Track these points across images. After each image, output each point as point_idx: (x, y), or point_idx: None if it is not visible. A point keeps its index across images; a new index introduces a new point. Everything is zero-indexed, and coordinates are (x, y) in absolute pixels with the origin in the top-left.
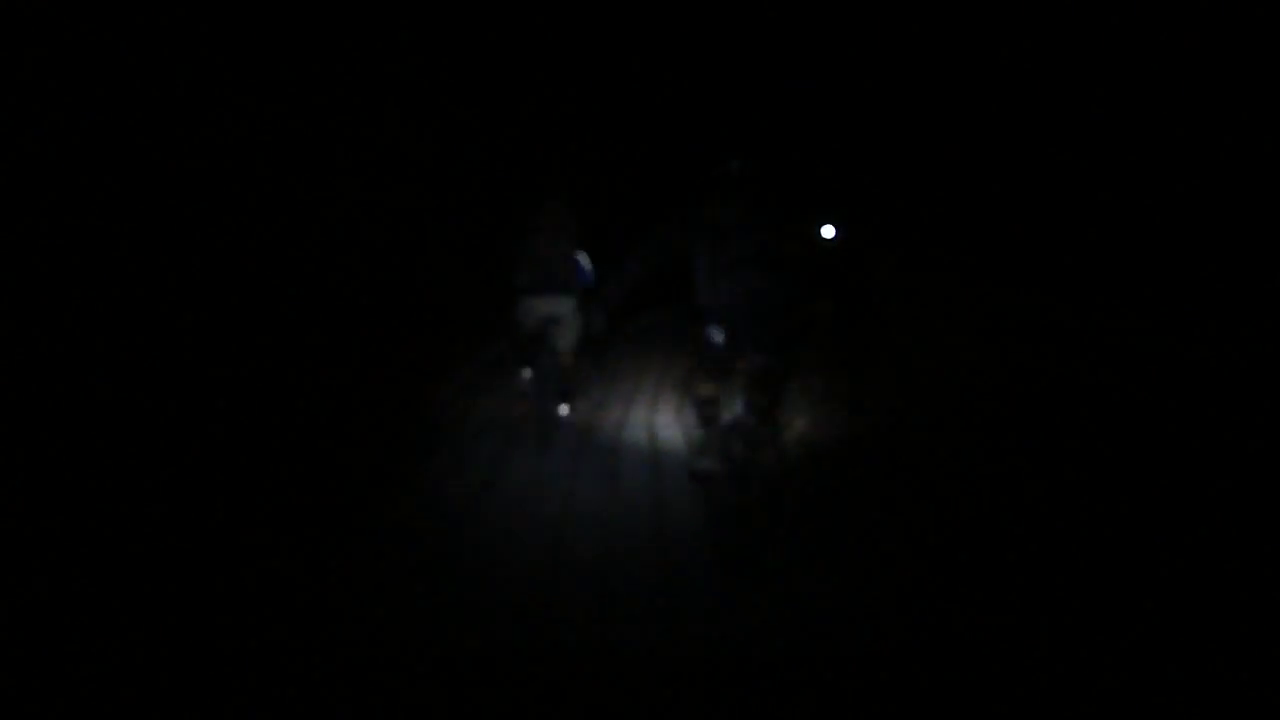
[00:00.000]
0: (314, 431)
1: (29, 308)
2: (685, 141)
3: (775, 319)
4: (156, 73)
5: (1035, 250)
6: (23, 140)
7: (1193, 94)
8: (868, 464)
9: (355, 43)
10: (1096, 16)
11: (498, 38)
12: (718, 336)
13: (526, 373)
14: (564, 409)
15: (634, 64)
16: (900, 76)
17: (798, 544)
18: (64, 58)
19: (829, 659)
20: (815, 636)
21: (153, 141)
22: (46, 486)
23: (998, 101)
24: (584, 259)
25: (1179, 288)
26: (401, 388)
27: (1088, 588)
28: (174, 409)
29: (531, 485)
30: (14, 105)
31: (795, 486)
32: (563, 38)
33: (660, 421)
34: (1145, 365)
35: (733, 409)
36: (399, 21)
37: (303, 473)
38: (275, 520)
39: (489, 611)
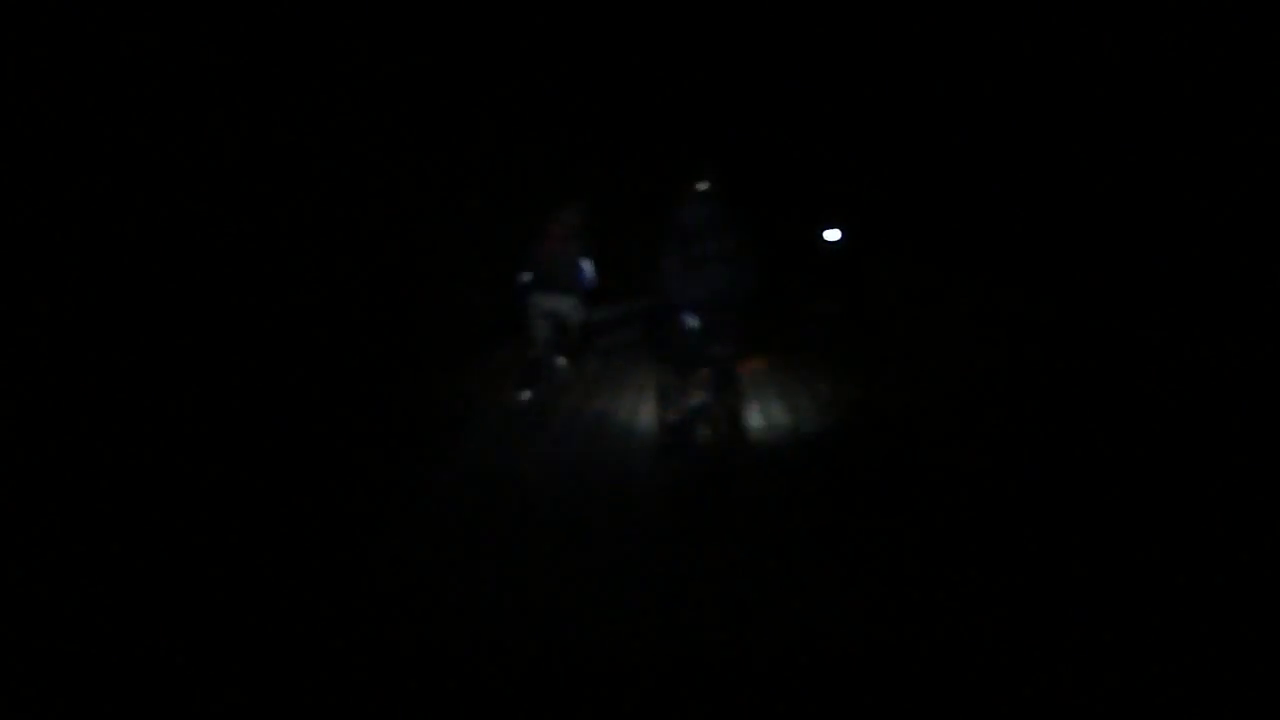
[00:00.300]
0: (347, 420)
1: (37, 307)
2: (687, 151)
3: (735, 312)
4: (168, 70)
5: (1029, 249)
6: (23, 140)
7: (1181, 96)
8: (865, 456)
9: (391, 54)
10: (1089, 16)
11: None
12: (692, 322)
13: (534, 353)
14: (561, 360)
15: (639, 78)
16: (895, 79)
17: (798, 534)
18: (64, 57)
19: (827, 648)
20: (811, 624)
21: (178, 139)
22: (63, 476)
23: (988, 104)
24: (587, 264)
25: (1166, 286)
26: (425, 380)
27: (1077, 581)
28: (203, 400)
29: (544, 469)
30: (14, 105)
31: (790, 477)
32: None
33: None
34: (1135, 360)
35: (700, 395)
36: (442, 41)
37: (334, 456)
38: (307, 497)
39: (502, 581)
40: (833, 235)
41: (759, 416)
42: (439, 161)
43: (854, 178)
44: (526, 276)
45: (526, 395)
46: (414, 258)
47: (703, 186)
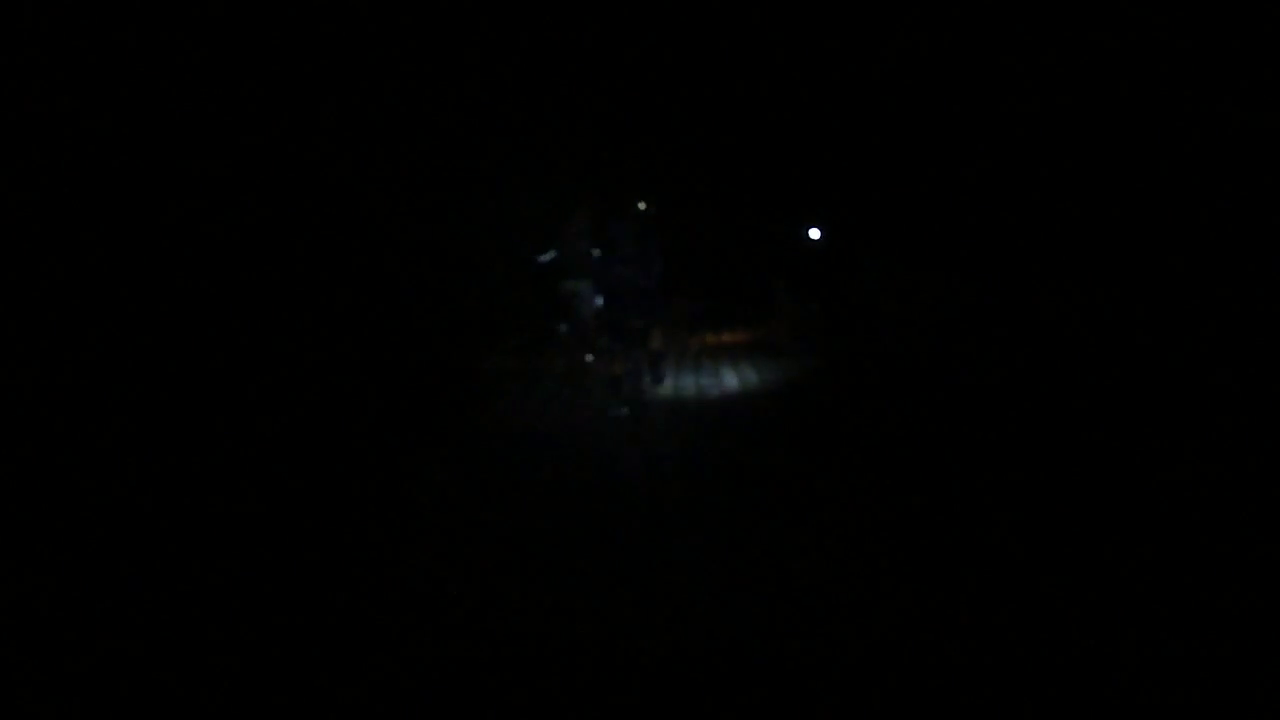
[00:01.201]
0: (412, 384)
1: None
2: (678, 156)
3: (643, 298)
4: (214, 70)
5: (995, 245)
6: (26, 141)
7: (1157, 96)
8: (822, 413)
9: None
10: (1068, 14)
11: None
12: (610, 300)
13: (563, 327)
14: (589, 357)
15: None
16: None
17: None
18: (65, 57)
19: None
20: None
21: (234, 138)
22: (116, 434)
23: (951, 112)
24: (596, 252)
25: (1108, 277)
26: (474, 351)
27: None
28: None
29: (570, 423)
30: (14, 105)
31: (758, 427)
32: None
33: (674, 384)
34: (1095, 345)
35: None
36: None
37: (398, 413)
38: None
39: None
40: (814, 234)
41: (736, 380)
42: (476, 182)
43: (833, 180)
44: (545, 257)
45: (564, 328)
46: (482, 261)
47: (642, 206)
